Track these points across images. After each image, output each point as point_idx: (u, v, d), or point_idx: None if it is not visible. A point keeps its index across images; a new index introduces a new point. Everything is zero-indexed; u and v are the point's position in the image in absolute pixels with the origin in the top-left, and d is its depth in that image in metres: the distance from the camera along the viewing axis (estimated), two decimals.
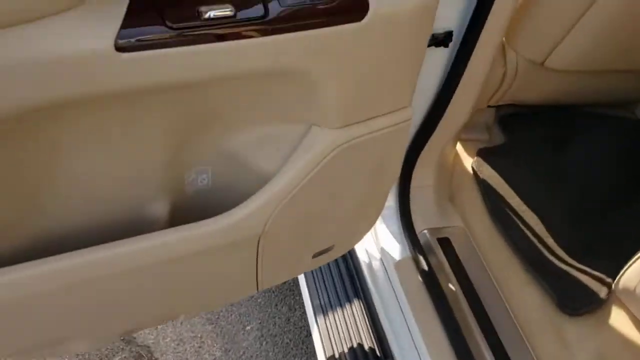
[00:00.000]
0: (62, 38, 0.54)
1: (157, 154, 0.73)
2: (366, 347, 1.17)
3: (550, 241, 1.26)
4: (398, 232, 1.28)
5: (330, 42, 0.70)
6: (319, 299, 1.29)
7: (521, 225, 1.28)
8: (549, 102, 1.56)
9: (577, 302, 1.15)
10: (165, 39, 0.59)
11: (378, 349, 1.17)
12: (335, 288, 1.30)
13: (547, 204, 1.34)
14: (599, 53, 1.35)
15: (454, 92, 1.12)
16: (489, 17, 1.02)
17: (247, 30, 0.64)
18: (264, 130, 0.80)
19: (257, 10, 0.65)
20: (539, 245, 1.26)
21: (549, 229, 1.29)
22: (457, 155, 1.47)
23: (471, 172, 1.44)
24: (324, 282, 1.32)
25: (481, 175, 1.40)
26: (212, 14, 0.61)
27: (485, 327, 1.12)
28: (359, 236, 1.05)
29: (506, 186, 1.36)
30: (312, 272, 1.35)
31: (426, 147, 1.23)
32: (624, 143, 1.52)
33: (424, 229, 1.29)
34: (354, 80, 0.76)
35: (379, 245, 1.29)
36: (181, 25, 0.60)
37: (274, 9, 0.65)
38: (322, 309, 1.26)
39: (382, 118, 0.87)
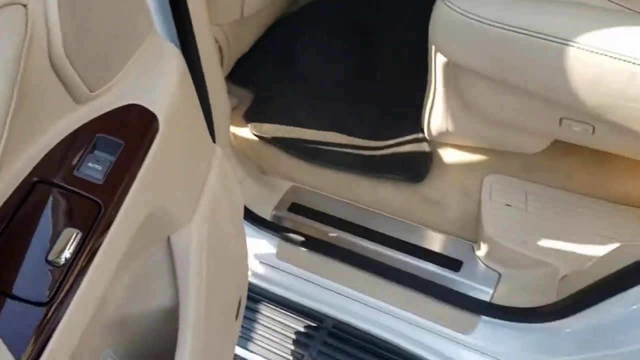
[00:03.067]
0: None
1: None
2: None
3: (356, 141, 1.33)
4: (255, 232, 1.27)
5: None
6: None
7: (328, 147, 1.34)
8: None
9: (420, 167, 1.27)
10: None
11: None
12: None
13: (324, 116, 1.39)
14: None
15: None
16: None
17: None
18: None
19: None
20: (353, 151, 1.32)
21: (341, 131, 1.35)
22: (233, 134, 1.41)
23: (257, 139, 1.39)
24: None
25: (267, 135, 1.36)
26: None
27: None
28: None
29: (288, 128, 1.38)
30: None
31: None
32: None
33: (271, 212, 1.30)
34: None
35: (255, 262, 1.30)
36: None
37: None
38: None
39: None
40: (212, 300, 0.77)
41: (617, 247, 0.92)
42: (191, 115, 0.75)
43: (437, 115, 1.21)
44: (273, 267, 1.28)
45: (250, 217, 1.27)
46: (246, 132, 1.43)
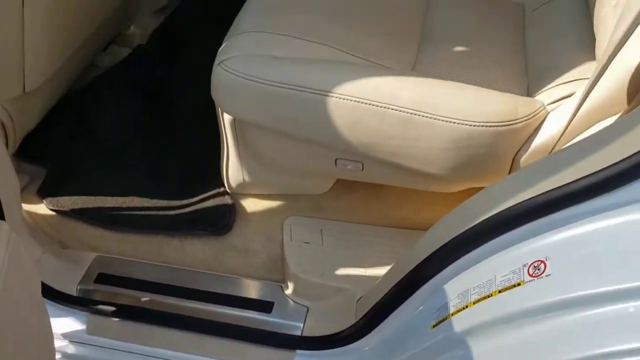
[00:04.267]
0: None
1: None
2: None
3: (159, 202, 1.34)
4: (61, 310, 1.22)
5: None
6: None
7: (131, 212, 1.34)
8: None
9: (224, 219, 1.30)
10: None
11: None
12: None
13: (124, 181, 1.39)
14: None
15: None
16: None
17: None
18: None
19: None
20: (158, 212, 1.33)
21: (142, 195, 1.35)
22: (27, 212, 1.37)
23: (55, 214, 1.35)
24: None
25: (65, 208, 1.32)
26: None
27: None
28: None
29: (87, 198, 1.35)
30: None
31: None
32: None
33: (77, 286, 1.24)
34: None
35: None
36: None
37: None
38: None
39: None
40: None
41: (394, 264, 1.05)
42: None
43: (233, 169, 1.28)
44: (85, 344, 1.21)
45: (53, 294, 1.20)
46: (42, 209, 1.35)
